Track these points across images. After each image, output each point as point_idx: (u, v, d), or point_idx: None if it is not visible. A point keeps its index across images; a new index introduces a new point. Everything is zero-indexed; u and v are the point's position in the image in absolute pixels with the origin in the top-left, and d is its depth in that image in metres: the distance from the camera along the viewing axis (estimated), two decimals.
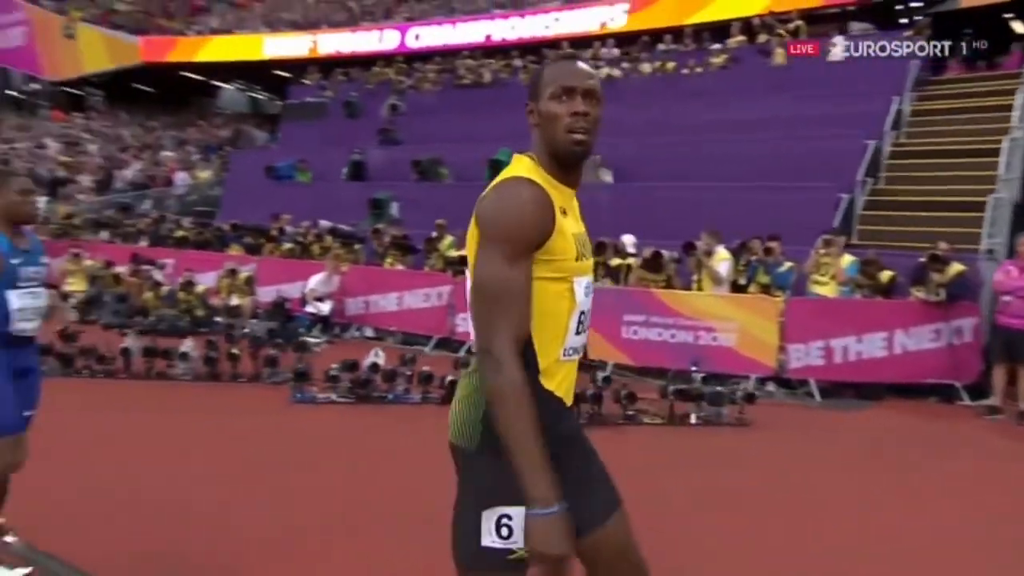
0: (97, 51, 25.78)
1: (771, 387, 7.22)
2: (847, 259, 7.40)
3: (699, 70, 13.36)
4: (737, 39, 14.06)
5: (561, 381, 1.69)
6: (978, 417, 6.45)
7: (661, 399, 6.02)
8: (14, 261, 2.96)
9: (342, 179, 13.58)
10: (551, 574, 1.74)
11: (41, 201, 12.86)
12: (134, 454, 4.63)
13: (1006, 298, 6.47)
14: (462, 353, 7.47)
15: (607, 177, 11.42)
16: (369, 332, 9.24)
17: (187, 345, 6.60)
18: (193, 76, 26.15)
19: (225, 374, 6.54)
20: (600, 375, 6.31)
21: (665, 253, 7.73)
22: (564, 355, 1.68)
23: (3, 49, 28.33)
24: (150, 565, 3.21)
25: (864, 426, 6.34)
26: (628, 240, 8.66)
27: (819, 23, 14.15)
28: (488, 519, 1.60)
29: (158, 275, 9.43)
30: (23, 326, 2.95)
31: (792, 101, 11.33)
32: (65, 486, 3.96)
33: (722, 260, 7.58)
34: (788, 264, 7.59)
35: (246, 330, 8.15)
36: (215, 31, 24.69)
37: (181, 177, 16.77)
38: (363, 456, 4.85)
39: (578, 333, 1.70)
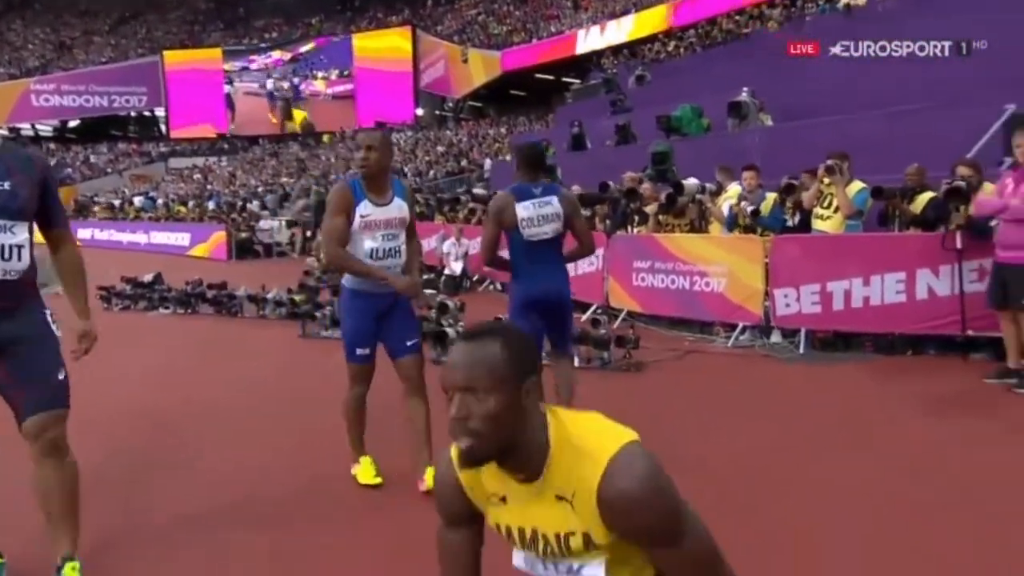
0: (479, 68, 31.74)
1: (776, 338, 6.43)
2: (856, 186, 6.01)
3: None
4: None
5: None
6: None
7: None
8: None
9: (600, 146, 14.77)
10: None
11: None
12: None
13: (993, 222, 4.70)
14: None
15: (768, 121, 10.56)
16: (499, 286, 10.69)
17: None
18: (545, 77, 30.05)
19: None
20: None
21: (681, 197, 7.32)
22: None
23: (434, 80, 36.98)
24: None
25: (795, 383, 5.42)
26: (691, 184, 8.24)
27: None
28: None
29: None
30: None
31: None
32: None
33: (728, 199, 6.89)
34: (771, 197, 6.48)
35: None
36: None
37: (488, 163, 20.25)
38: None
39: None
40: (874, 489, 3.31)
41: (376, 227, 3.30)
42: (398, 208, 3.38)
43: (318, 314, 7.60)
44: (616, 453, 1.34)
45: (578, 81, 28.41)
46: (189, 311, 9.15)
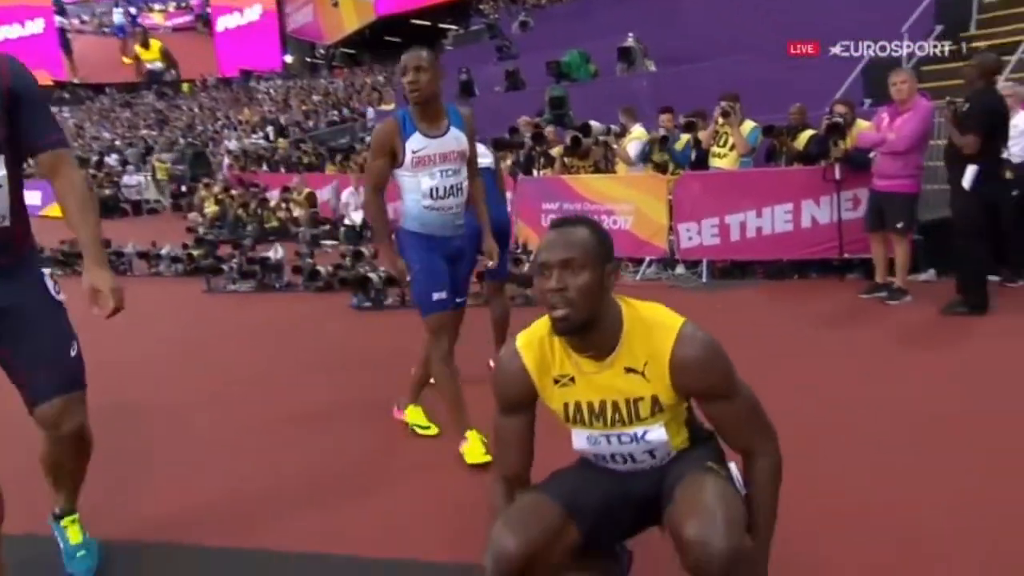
0: (351, 13, 30.45)
1: (680, 270, 6.91)
2: (748, 126, 6.54)
3: None
4: None
5: None
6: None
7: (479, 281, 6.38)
8: None
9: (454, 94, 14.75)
10: None
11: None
12: None
13: (872, 154, 5.33)
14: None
15: (651, 66, 11.06)
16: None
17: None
18: (422, 23, 29.31)
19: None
20: None
21: (586, 139, 7.58)
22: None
23: (301, 25, 35.02)
24: None
25: (697, 306, 5.92)
26: (596, 126, 8.50)
27: None
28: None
29: (272, 195, 11.99)
30: None
31: None
32: None
33: (632, 140, 7.24)
34: (684, 137, 6.94)
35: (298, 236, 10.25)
36: None
37: (371, 112, 19.73)
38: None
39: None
40: (781, 397, 3.74)
41: (431, 162, 2.89)
42: (455, 139, 2.96)
43: (225, 267, 7.30)
44: (683, 325, 1.60)
45: (456, 27, 27.96)
46: (69, 272, 8.44)
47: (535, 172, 8.23)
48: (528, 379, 1.67)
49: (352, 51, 34.81)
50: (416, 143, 2.86)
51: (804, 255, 6.38)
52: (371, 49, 32.80)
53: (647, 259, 6.99)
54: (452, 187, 2.95)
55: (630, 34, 11.34)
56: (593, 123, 7.45)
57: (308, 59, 37.02)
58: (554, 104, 10.05)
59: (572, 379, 1.65)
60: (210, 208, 12.09)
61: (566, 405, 1.67)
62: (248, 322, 6.17)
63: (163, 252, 8.20)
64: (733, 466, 1.66)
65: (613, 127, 7.48)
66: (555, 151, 8.03)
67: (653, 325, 1.60)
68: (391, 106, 20.39)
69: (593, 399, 1.64)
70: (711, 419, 1.65)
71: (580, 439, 1.71)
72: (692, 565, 1.50)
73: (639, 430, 1.64)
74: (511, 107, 11.84)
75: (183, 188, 16.11)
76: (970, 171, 4.59)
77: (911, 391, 3.66)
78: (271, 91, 30.41)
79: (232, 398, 4.06)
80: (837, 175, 5.94)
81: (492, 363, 4.26)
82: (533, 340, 1.68)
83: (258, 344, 5.38)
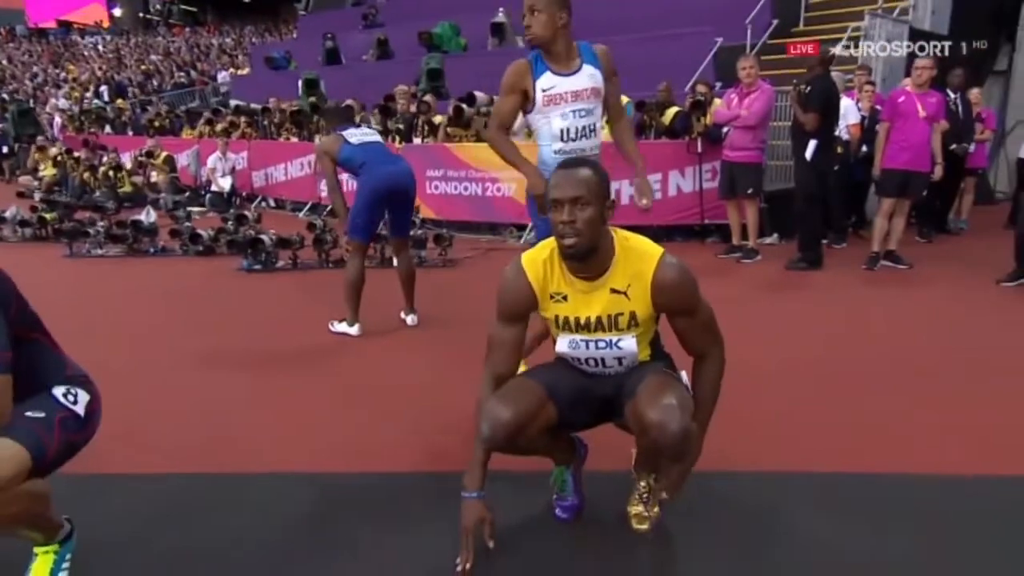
0: None
1: None
2: (623, 100, 7.10)
3: None
4: None
5: None
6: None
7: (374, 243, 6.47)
8: None
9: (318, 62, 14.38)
10: None
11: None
12: None
13: (725, 129, 6.07)
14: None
15: (521, 43, 11.46)
16: (272, 202, 10.35)
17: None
18: None
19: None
20: None
21: (469, 109, 7.84)
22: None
23: None
24: None
25: None
26: (481, 96, 8.70)
27: None
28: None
29: (125, 159, 11.12)
30: None
31: None
32: None
33: None
34: None
35: (159, 202, 9.63)
36: None
37: (223, 75, 18.63)
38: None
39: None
40: None
41: (563, 101, 2.78)
42: (589, 76, 2.81)
43: (91, 231, 6.81)
44: (662, 254, 1.94)
45: None
46: None
47: (417, 140, 8.38)
48: (531, 292, 1.98)
49: (193, 8, 32.44)
50: (546, 81, 2.79)
51: (671, 221, 7.07)
52: (215, 7, 30.79)
53: (530, 225, 7.39)
54: (584, 128, 2.84)
55: (500, 9, 11.63)
56: (477, 93, 7.69)
57: (142, 14, 34.01)
58: (432, 75, 10.20)
59: (565, 297, 1.97)
60: (47, 171, 11.01)
61: (556, 316, 2.01)
62: (134, 286, 5.86)
63: (7, 215, 7.46)
64: (683, 373, 2.06)
65: (496, 98, 7.76)
66: (437, 120, 8.21)
67: (637, 252, 1.93)
68: (245, 71, 19.33)
69: (580, 315, 1.97)
70: (676, 329, 2.01)
71: (563, 343, 2.03)
72: (651, 442, 1.88)
73: (614, 338, 1.98)
74: (383, 76, 11.79)
75: (5, 149, 14.44)
76: (811, 144, 5.39)
77: (766, 331, 4.32)
78: (99, 47, 27.67)
79: (125, 356, 3.96)
80: (699, 148, 6.64)
81: (402, 315, 4.46)
82: (536, 260, 1.98)
83: (151, 306, 5.17)
